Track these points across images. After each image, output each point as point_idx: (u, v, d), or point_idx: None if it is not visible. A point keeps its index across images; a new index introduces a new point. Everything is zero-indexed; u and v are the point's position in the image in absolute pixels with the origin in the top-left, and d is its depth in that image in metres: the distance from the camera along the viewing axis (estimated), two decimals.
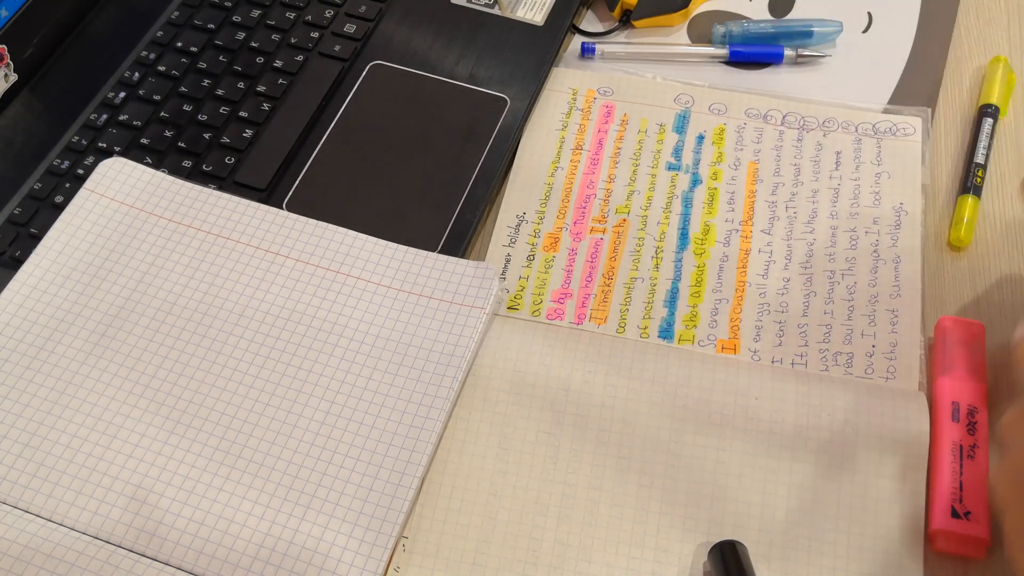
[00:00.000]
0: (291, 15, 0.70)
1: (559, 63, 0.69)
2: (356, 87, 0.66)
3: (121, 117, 0.65)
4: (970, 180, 0.61)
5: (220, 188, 0.61)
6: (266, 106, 0.65)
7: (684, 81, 0.67)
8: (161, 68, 0.67)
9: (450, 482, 0.52)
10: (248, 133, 0.64)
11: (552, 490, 0.51)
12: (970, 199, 0.60)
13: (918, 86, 0.66)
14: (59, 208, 0.60)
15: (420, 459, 0.51)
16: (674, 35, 0.70)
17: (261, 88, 0.66)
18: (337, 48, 0.68)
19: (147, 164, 0.62)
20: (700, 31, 0.71)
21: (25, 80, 0.67)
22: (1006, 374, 0.54)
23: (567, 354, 0.55)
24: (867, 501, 0.50)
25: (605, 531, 0.50)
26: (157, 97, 0.66)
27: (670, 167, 0.63)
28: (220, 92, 0.66)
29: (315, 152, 0.63)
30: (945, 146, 0.64)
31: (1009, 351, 0.52)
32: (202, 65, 0.67)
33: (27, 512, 0.50)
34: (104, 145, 0.63)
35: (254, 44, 0.68)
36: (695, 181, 0.63)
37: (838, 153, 0.63)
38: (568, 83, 0.67)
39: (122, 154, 0.63)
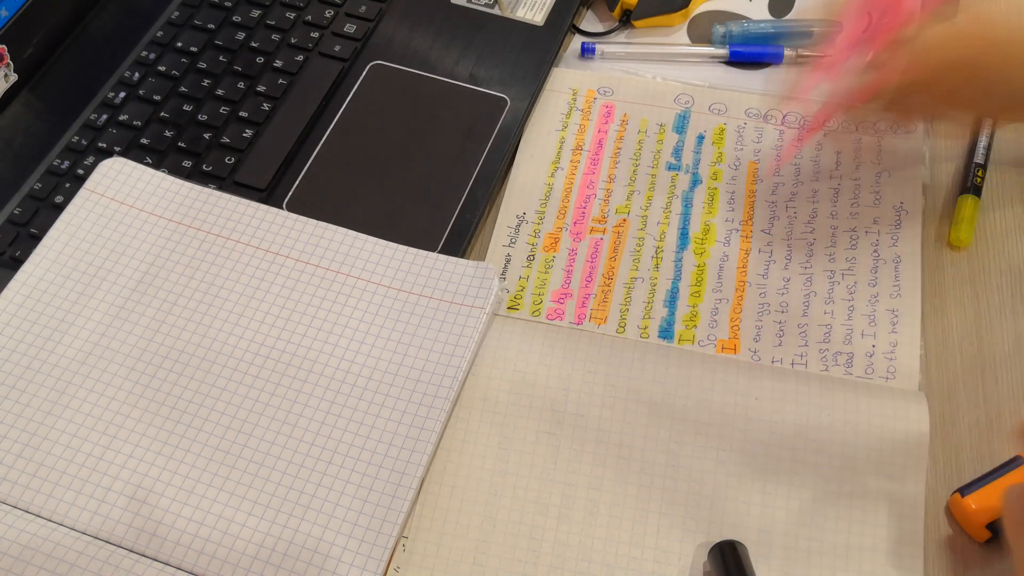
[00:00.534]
0: (291, 15, 0.70)
1: (559, 63, 0.69)
2: (356, 87, 0.66)
3: (121, 117, 0.65)
4: (970, 180, 0.61)
5: (220, 188, 0.61)
6: (266, 106, 0.65)
7: (684, 81, 0.67)
8: (161, 68, 0.67)
9: (450, 482, 0.52)
10: (248, 133, 0.64)
11: (552, 490, 0.51)
12: (970, 199, 0.60)
13: None
14: (59, 208, 0.60)
15: (420, 459, 0.51)
16: (674, 35, 0.70)
17: (261, 88, 0.66)
18: (337, 48, 0.68)
19: (147, 164, 0.62)
20: (700, 31, 0.70)
21: (25, 80, 0.67)
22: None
23: (567, 354, 0.55)
24: (867, 501, 0.50)
25: (605, 531, 0.50)
26: (157, 97, 0.66)
27: (670, 167, 0.63)
28: (220, 92, 0.66)
29: (315, 152, 0.63)
30: (945, 146, 0.64)
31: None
32: (202, 65, 0.67)
33: (27, 512, 0.50)
34: (104, 145, 0.63)
35: (254, 44, 0.68)
36: (695, 181, 0.63)
37: (838, 153, 0.63)
38: (568, 83, 0.67)
39: (122, 154, 0.63)
